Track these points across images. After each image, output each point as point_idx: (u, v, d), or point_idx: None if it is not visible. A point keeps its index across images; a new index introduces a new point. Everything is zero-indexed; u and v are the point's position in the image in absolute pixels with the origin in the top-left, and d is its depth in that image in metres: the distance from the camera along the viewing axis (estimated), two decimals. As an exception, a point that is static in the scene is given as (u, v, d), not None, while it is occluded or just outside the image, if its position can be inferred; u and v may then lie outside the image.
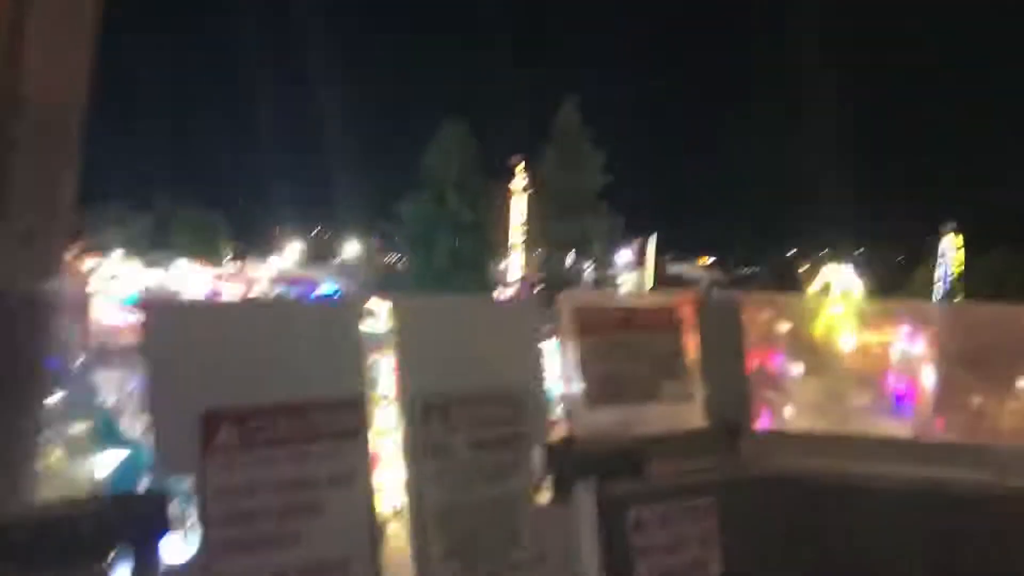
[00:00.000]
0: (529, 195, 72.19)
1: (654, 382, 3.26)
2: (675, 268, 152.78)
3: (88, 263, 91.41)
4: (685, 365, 3.32)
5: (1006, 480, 3.59)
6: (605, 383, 3.09)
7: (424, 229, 62.60)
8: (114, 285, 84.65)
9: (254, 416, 2.37)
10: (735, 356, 3.45)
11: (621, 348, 3.15)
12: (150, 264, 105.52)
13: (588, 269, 64.15)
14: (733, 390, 3.49)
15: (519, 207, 72.09)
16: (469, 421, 2.68)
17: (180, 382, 2.36)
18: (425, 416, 2.61)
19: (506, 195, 74.41)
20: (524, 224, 70.73)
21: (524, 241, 70.14)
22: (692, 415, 3.45)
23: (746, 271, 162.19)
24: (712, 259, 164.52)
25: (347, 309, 2.97)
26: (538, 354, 2.88)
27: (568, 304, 2.97)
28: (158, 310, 2.57)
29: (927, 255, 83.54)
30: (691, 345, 3.33)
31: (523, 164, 72.97)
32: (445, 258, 59.48)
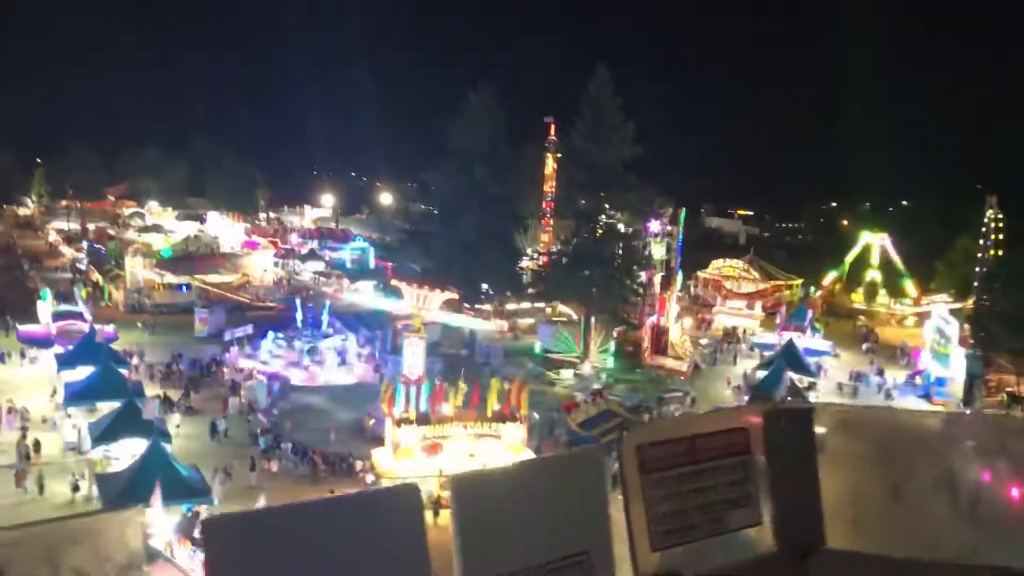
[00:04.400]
0: (557, 164, 72.13)
1: (722, 513, 3.15)
2: (712, 222, 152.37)
3: (125, 211, 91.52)
4: (754, 489, 3.24)
5: None
6: (671, 522, 3.02)
7: (451, 200, 62.51)
8: (150, 236, 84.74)
9: None
10: (806, 471, 3.29)
11: (687, 482, 3.03)
12: (185, 216, 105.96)
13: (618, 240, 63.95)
14: (805, 509, 3.34)
15: (548, 176, 72.05)
16: (538, 596, 2.78)
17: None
18: None
19: (534, 163, 74.36)
20: (552, 195, 70.84)
21: (552, 212, 70.44)
22: (762, 539, 3.27)
23: (786, 225, 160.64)
24: (749, 213, 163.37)
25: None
26: (604, 509, 2.87)
27: (629, 442, 2.97)
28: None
29: (969, 223, 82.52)
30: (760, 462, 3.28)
31: (553, 128, 72.71)
32: (472, 230, 59.51)
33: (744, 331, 71.61)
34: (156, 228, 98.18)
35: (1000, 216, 74.42)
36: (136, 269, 71.45)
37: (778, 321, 65.71)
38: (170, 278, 71.81)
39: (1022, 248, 62.30)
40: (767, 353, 58.94)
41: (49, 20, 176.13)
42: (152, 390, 44.51)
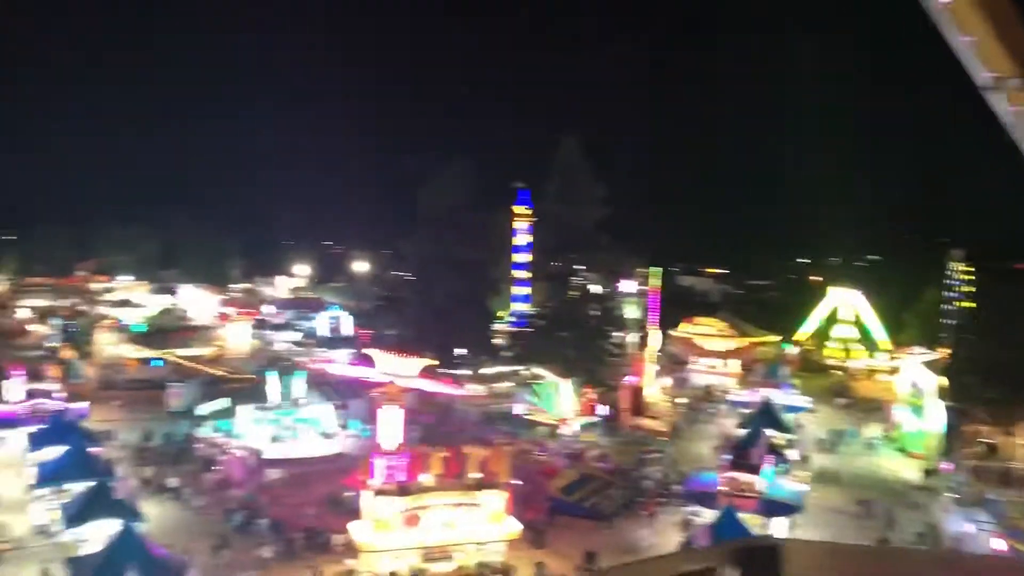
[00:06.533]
0: (530, 227, 72.84)
1: None
2: (685, 281, 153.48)
3: (96, 287, 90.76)
4: None
5: None
6: None
7: (424, 267, 62.78)
8: (122, 312, 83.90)
9: None
10: None
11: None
12: (158, 290, 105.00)
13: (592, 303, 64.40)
14: None
15: (520, 240, 72.66)
16: None
17: None
18: None
19: (506, 228, 75.06)
20: (525, 258, 71.32)
21: (525, 275, 70.78)
22: None
23: (756, 282, 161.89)
24: (721, 271, 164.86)
25: None
26: None
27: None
28: None
29: (936, 275, 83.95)
30: None
31: (524, 192, 73.66)
32: (445, 296, 59.66)
33: (721, 389, 71.79)
34: (128, 303, 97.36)
35: (966, 267, 75.82)
36: (108, 345, 70.67)
37: (754, 378, 65.90)
38: (143, 353, 71.05)
39: (990, 298, 63.31)
40: (745, 411, 58.99)
41: (15, 91, 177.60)
42: (125, 468, 43.74)
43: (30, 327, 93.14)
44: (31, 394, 51.70)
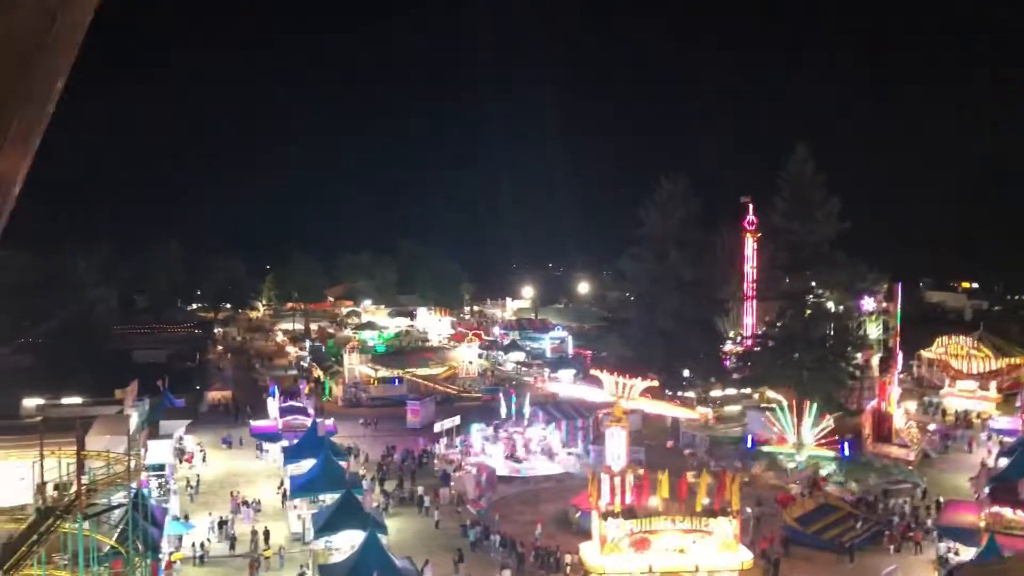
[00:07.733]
0: (758, 244, 70.08)
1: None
2: (933, 297, 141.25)
3: (343, 311, 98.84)
4: None
5: None
6: None
7: (646, 287, 62.05)
8: (365, 334, 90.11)
9: None
10: None
11: None
12: (396, 313, 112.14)
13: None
14: None
15: (747, 258, 70.10)
16: None
17: None
18: None
19: (733, 246, 72.68)
20: (754, 276, 68.65)
21: (753, 295, 68.00)
22: None
23: (1018, 297, 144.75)
24: (974, 285, 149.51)
25: None
26: None
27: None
28: None
29: None
30: None
31: (751, 207, 71.03)
32: (669, 315, 58.55)
33: (978, 415, 65.35)
34: (370, 325, 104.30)
35: None
36: (353, 364, 75.89)
37: (1018, 403, 59.65)
38: (384, 372, 75.66)
39: None
40: (1007, 439, 53.40)
41: (272, 145, 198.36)
42: (369, 482, 46.48)
43: (286, 348, 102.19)
44: (286, 410, 56.50)
